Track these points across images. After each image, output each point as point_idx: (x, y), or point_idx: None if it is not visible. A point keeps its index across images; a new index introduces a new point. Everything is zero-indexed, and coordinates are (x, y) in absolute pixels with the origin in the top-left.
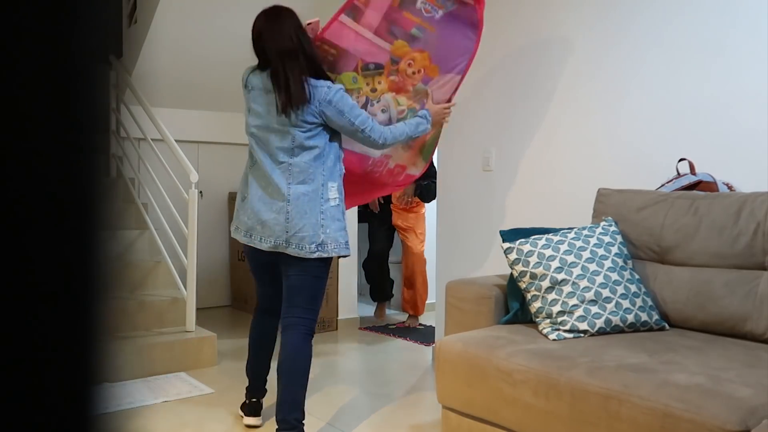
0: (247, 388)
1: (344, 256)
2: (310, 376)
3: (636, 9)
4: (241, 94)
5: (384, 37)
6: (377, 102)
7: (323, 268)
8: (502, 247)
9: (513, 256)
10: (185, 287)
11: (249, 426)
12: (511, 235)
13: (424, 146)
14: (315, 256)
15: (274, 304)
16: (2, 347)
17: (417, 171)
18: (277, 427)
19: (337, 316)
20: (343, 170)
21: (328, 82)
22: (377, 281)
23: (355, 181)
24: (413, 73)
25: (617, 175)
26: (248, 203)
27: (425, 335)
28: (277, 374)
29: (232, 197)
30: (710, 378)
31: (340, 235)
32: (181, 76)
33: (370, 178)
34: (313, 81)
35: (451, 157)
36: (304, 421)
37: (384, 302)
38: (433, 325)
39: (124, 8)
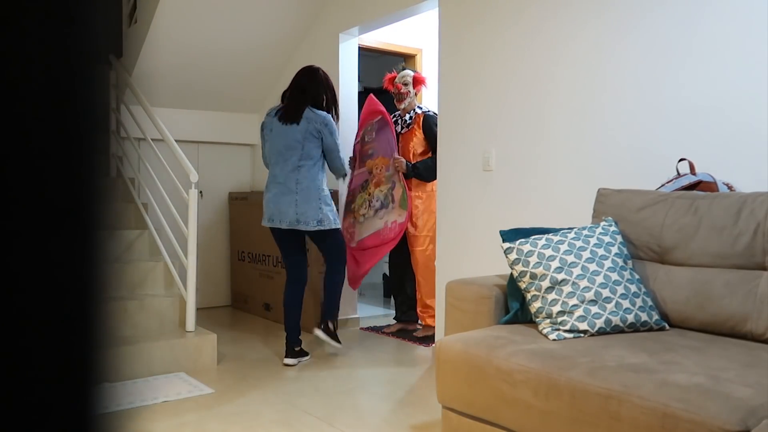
0: (285, 338)
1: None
2: (311, 376)
3: (636, 10)
4: (241, 94)
5: (363, 166)
6: (374, 199)
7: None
8: (502, 247)
9: (513, 256)
10: (185, 287)
11: (287, 365)
12: (511, 235)
13: (400, 200)
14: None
15: (300, 274)
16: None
17: (403, 218)
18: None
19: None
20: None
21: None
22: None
23: (375, 252)
24: (380, 170)
25: (617, 175)
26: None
27: (425, 335)
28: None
29: (232, 197)
30: (710, 378)
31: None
32: (181, 76)
33: (383, 242)
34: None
35: (451, 157)
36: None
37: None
38: (433, 325)
39: (124, 8)
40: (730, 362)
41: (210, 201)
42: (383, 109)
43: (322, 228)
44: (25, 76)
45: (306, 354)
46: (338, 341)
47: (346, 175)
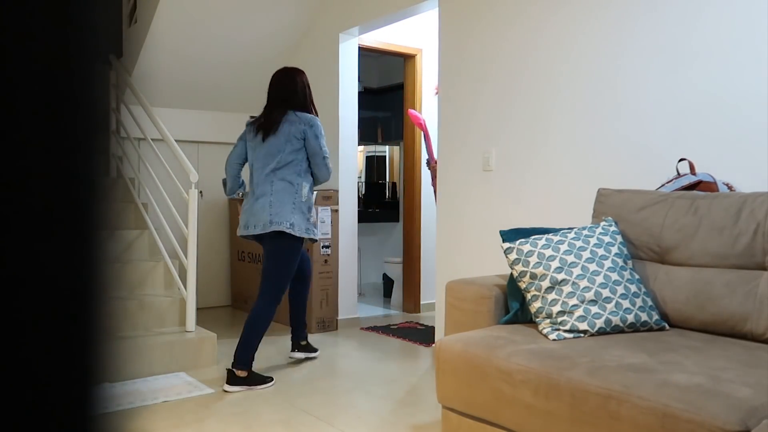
0: (291, 332)
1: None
2: (310, 376)
3: (636, 10)
4: (241, 94)
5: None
6: None
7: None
8: (502, 247)
9: (513, 256)
10: (185, 287)
11: (291, 358)
12: (511, 235)
13: None
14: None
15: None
16: (2, 347)
17: None
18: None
19: (337, 316)
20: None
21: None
22: None
23: None
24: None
25: (617, 175)
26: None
27: (425, 335)
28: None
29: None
30: (710, 378)
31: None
32: (181, 76)
33: None
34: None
35: (451, 157)
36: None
37: None
38: (433, 325)
39: (124, 8)
40: (730, 362)
41: (210, 201)
42: (421, 121)
43: (291, 232)
44: (25, 76)
45: (315, 350)
46: (314, 349)
47: (327, 180)
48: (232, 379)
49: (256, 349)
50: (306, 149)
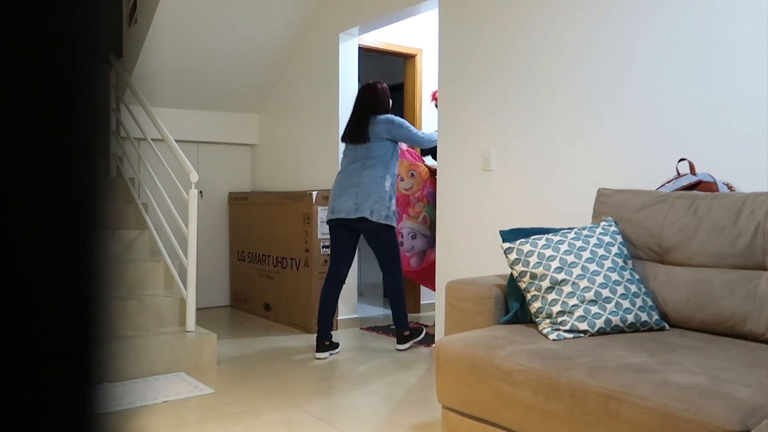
0: (317, 332)
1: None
2: (310, 376)
3: (636, 10)
4: (241, 94)
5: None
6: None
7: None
8: (502, 247)
9: (513, 256)
10: (185, 287)
11: (318, 358)
12: (511, 235)
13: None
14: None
15: (340, 271)
16: (2, 347)
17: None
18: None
19: (337, 316)
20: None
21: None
22: None
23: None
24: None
25: (617, 175)
26: None
27: (425, 335)
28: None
29: (232, 197)
30: (710, 378)
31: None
32: (181, 76)
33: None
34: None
35: (451, 157)
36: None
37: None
38: (433, 325)
39: (124, 8)
40: (730, 362)
41: (210, 201)
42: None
43: (378, 221)
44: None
45: (336, 346)
46: (416, 335)
47: (435, 145)
48: (400, 339)
49: (407, 313)
50: (396, 142)
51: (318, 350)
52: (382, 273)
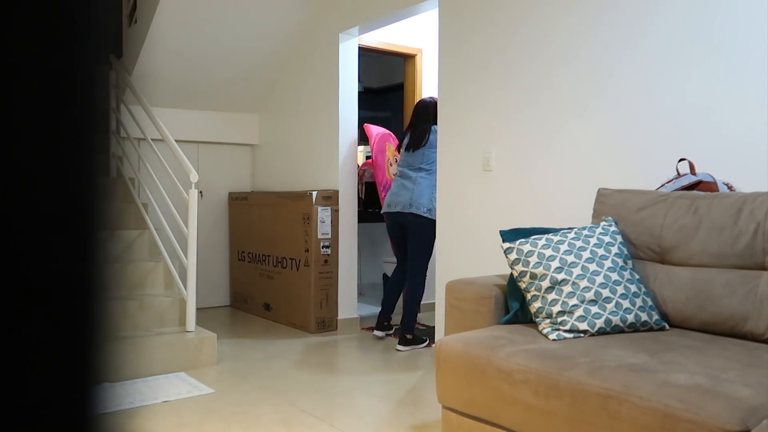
0: (380, 312)
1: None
2: (310, 376)
3: (637, 11)
4: (241, 94)
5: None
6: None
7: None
8: (502, 247)
9: (513, 256)
10: (185, 287)
11: (377, 337)
12: (511, 235)
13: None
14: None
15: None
16: (2, 347)
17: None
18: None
19: (337, 316)
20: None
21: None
22: None
23: None
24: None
25: (617, 175)
26: None
27: (425, 335)
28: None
29: (232, 197)
30: (710, 378)
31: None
32: (181, 76)
33: None
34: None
35: (451, 157)
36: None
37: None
38: (433, 325)
39: (124, 8)
40: (730, 362)
41: (210, 201)
42: (371, 133)
43: (430, 217)
44: (25, 76)
45: (422, 341)
46: (418, 343)
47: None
48: (402, 341)
49: (416, 318)
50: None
51: (376, 327)
52: (408, 275)
